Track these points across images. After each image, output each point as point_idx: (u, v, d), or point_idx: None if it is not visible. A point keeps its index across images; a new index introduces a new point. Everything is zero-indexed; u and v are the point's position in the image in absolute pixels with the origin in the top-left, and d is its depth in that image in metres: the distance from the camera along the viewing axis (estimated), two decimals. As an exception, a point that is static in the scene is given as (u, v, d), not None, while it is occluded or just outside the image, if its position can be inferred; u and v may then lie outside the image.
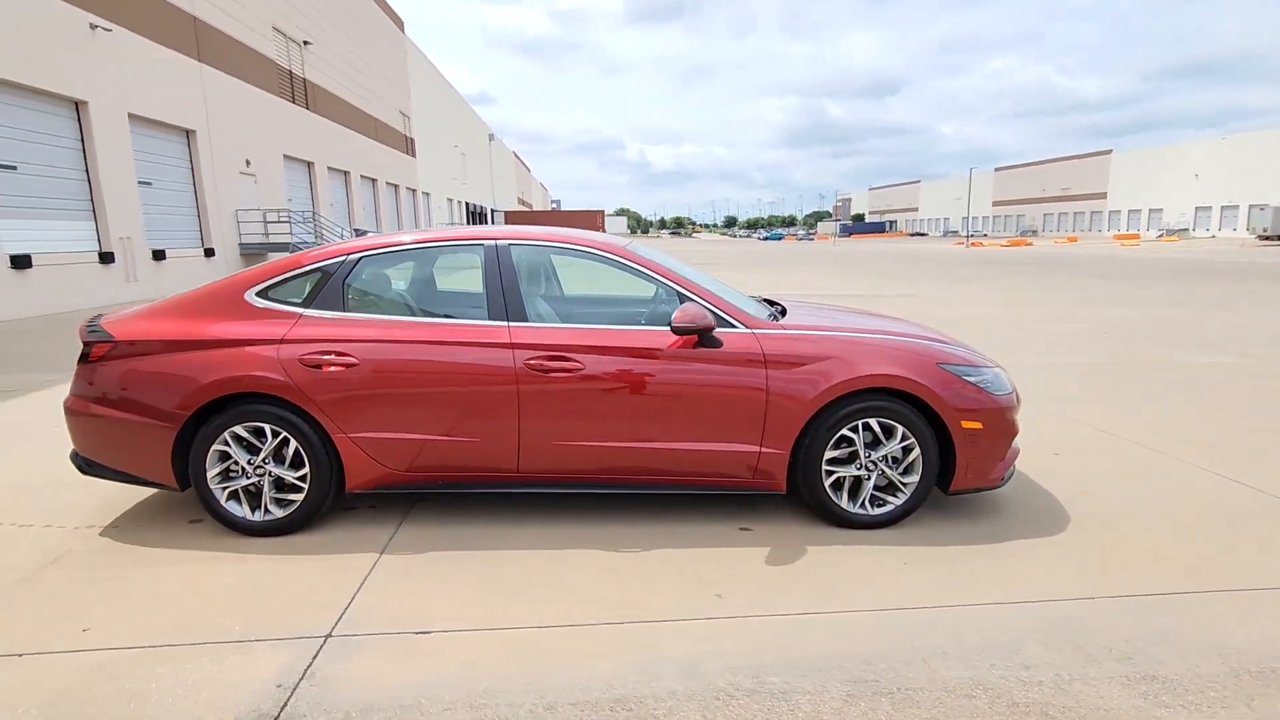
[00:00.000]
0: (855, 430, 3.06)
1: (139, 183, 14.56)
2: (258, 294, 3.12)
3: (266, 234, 18.93)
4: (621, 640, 2.31)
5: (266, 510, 3.05)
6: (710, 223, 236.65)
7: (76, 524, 3.23)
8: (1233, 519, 3.22)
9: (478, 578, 2.72)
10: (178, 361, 2.99)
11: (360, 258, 3.20)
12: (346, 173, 26.54)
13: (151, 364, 3.00)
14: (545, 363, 3.00)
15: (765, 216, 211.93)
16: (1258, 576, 2.67)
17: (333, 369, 2.98)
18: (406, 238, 3.31)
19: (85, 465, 3.13)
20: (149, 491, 3.55)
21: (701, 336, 3.02)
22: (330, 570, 2.78)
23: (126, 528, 3.18)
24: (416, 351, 3.03)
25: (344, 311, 3.10)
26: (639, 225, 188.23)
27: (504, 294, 3.13)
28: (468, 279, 3.38)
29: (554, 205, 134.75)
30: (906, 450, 3.11)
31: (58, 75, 12.26)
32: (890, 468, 3.11)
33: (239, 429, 3.00)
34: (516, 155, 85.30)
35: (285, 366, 2.97)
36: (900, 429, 3.07)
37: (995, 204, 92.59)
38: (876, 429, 3.08)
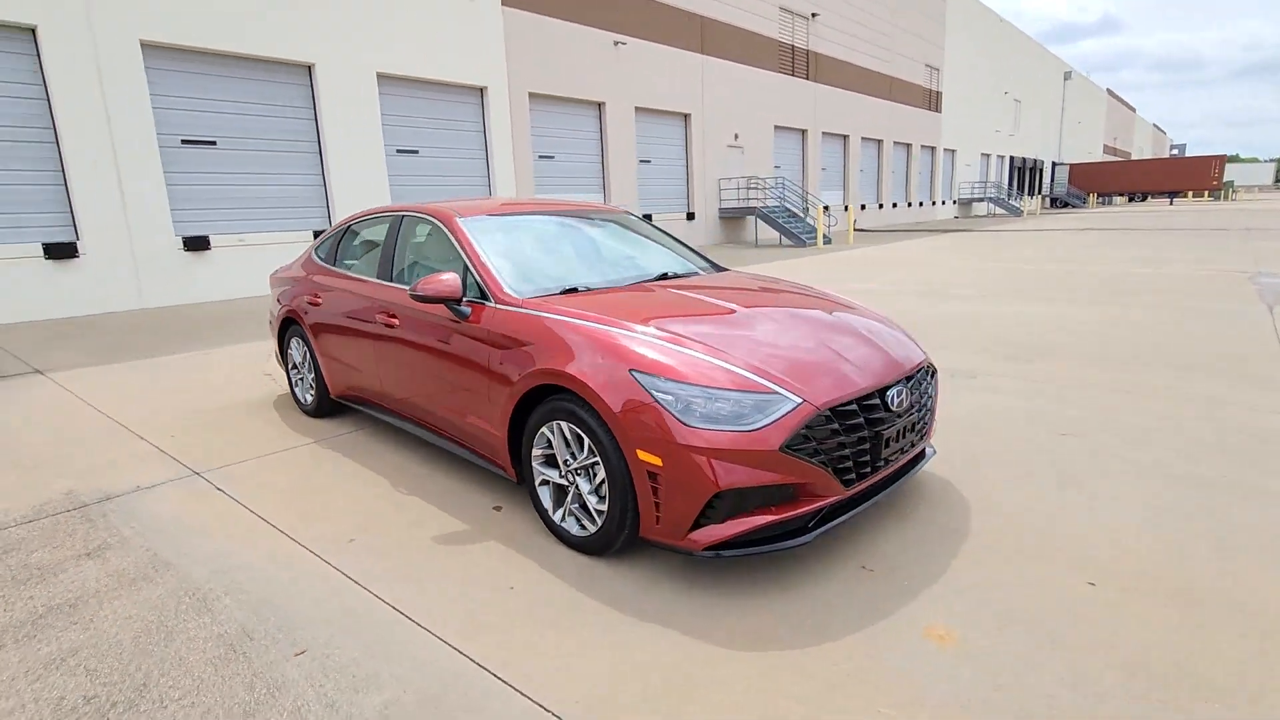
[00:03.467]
0: (553, 430, 2.66)
1: (640, 161, 18.61)
2: (314, 249, 4.54)
3: (746, 199, 21.45)
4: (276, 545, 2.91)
5: (306, 393, 4.53)
6: None
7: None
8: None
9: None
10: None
11: (347, 226, 4.27)
12: (845, 136, 27.25)
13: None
14: (386, 316, 3.55)
15: None
16: None
17: (314, 305, 4.20)
18: (371, 211, 4.18)
19: None
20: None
21: (450, 306, 3.07)
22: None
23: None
24: (340, 298, 3.98)
25: (332, 264, 4.26)
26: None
27: (393, 257, 3.75)
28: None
29: (1175, 151, 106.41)
30: (597, 468, 2.53)
31: (584, 85, 16.67)
32: (589, 484, 2.59)
33: (291, 340, 4.55)
34: (1112, 94, 70.03)
35: (302, 300, 4.33)
36: (587, 441, 2.52)
37: None
38: (568, 434, 2.60)
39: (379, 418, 3.90)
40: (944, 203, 36.66)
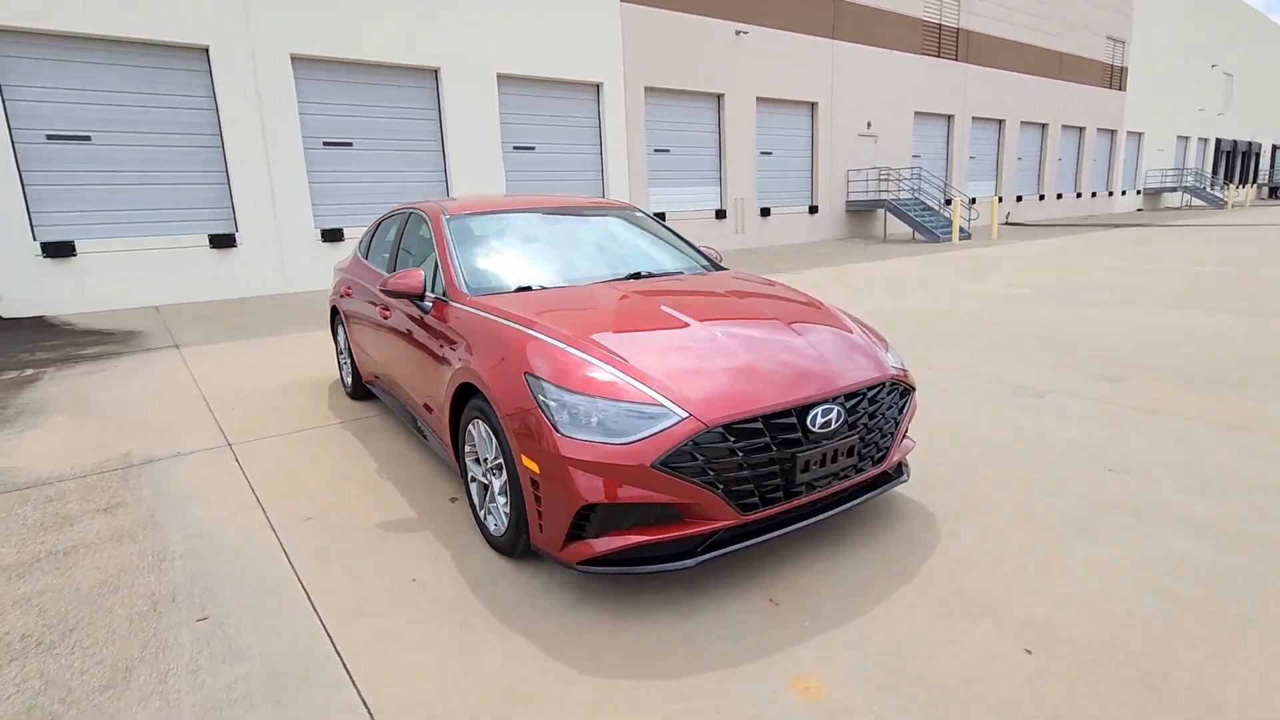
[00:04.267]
0: (476, 428, 2.68)
1: (760, 154, 18.14)
2: (358, 245, 4.88)
3: (877, 191, 20.24)
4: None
5: (347, 376, 4.90)
6: None
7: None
8: None
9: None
10: (337, 283, 5.13)
11: (379, 222, 4.53)
12: (1000, 121, 24.83)
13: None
14: (383, 309, 3.75)
15: None
16: None
17: (346, 295, 4.53)
18: (396, 208, 4.40)
19: None
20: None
21: (413, 301, 3.20)
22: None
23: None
24: (361, 291, 4.25)
25: (364, 258, 4.55)
26: None
27: (397, 252, 3.95)
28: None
29: None
30: (502, 469, 2.52)
31: (703, 77, 16.49)
32: (499, 483, 2.59)
33: (337, 327, 4.95)
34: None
35: (341, 291, 4.69)
36: (494, 441, 2.52)
37: None
38: (484, 433, 2.61)
39: (385, 403, 4.15)
40: (1125, 193, 32.35)
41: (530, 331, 2.57)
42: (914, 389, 2.79)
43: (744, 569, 2.52)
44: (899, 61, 20.91)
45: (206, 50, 10.68)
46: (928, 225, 18.39)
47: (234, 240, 11.15)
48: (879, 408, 2.57)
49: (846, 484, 2.50)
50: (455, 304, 3.02)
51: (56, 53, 9.70)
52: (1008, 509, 2.93)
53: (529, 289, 3.15)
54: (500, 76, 13.50)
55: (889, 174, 20.22)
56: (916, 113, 21.85)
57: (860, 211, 20.61)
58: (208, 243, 10.95)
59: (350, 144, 12.21)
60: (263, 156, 11.22)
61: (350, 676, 2.01)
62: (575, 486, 2.14)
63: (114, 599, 2.45)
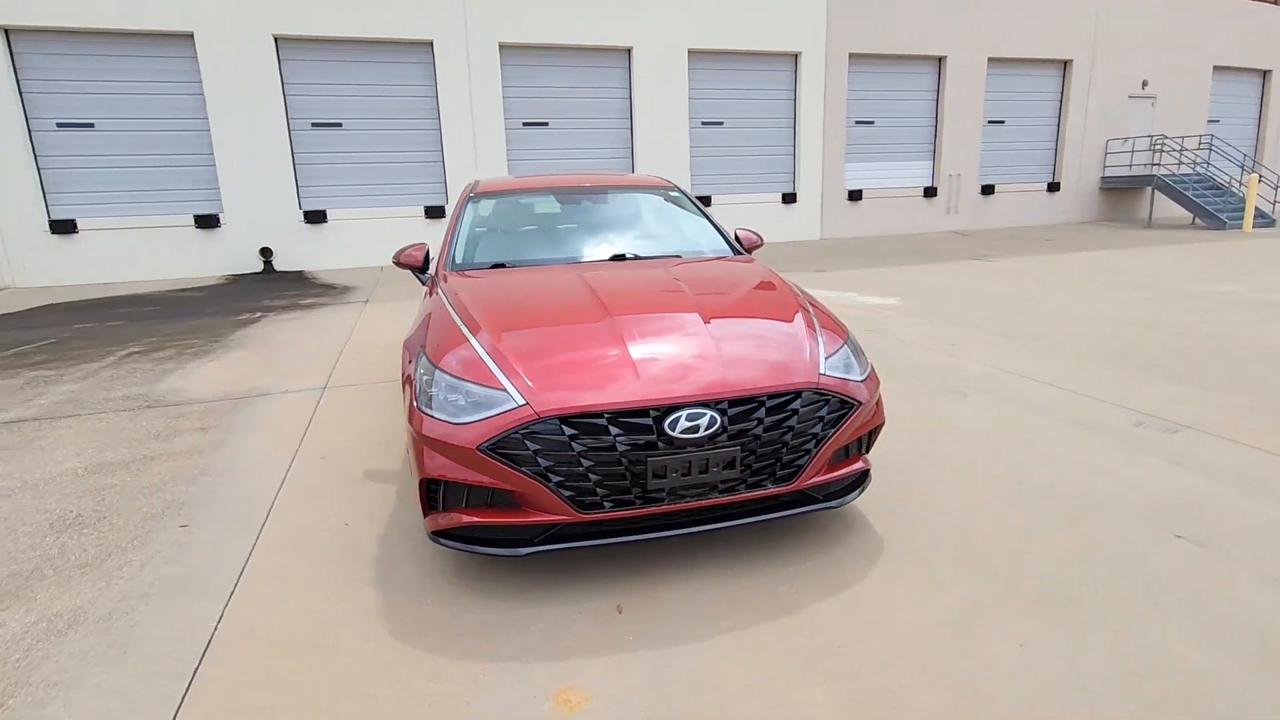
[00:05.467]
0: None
1: (988, 122, 15.97)
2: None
3: (1147, 165, 16.74)
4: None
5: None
6: None
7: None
8: None
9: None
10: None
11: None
12: (1355, 73, 18.90)
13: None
14: None
15: None
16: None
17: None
18: None
19: None
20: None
21: (414, 273, 3.48)
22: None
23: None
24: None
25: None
26: None
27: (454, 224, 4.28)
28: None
29: None
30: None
31: (920, 39, 14.88)
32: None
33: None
34: None
35: None
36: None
37: None
38: (415, 401, 2.81)
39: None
40: None
41: (447, 308, 2.69)
42: (856, 402, 2.40)
43: (619, 569, 2.42)
44: (1195, 6, 16.88)
45: (431, 44, 12.20)
46: (1211, 208, 14.81)
47: (443, 211, 12.75)
48: (786, 419, 2.27)
49: (739, 497, 2.27)
50: (438, 277, 3.24)
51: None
52: (972, 560, 2.41)
53: (502, 266, 3.26)
54: (691, 52, 13.51)
55: (1162, 143, 16.56)
56: (1216, 68, 17.52)
57: (1119, 190, 17.24)
58: (423, 213, 12.65)
59: (546, 124, 13.17)
60: (470, 136, 12.58)
61: (229, 597, 2.35)
62: (423, 460, 2.24)
63: (148, 500, 3.09)
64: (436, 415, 2.23)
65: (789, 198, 14.71)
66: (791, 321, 2.62)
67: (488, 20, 12.22)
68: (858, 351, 2.61)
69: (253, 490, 3.17)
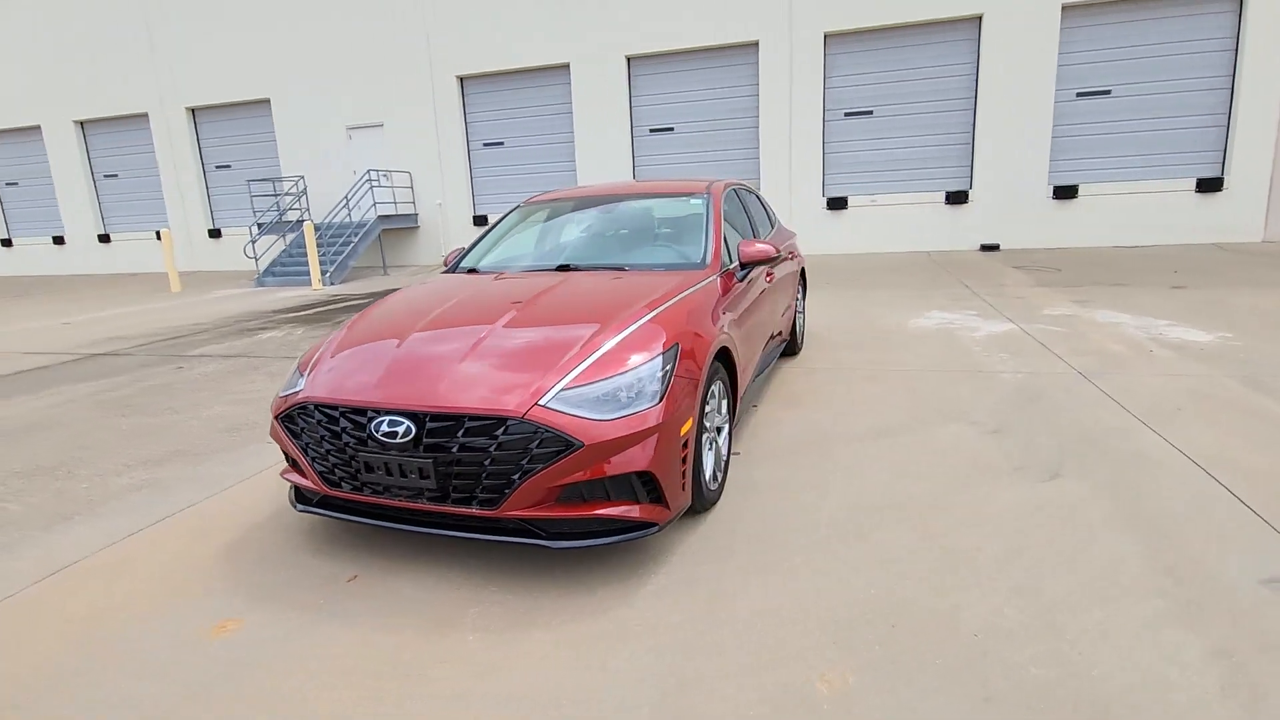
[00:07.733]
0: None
1: None
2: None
3: None
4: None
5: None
6: None
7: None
8: None
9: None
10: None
11: None
12: None
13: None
14: None
15: None
16: None
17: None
18: None
19: None
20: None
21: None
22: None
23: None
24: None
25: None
26: None
27: None
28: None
29: None
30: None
31: None
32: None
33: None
34: None
35: None
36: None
37: None
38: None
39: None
40: None
41: (391, 302, 3.26)
42: (577, 443, 2.17)
43: (397, 547, 2.61)
44: None
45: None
46: None
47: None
48: (480, 442, 2.23)
49: (449, 510, 2.31)
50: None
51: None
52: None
53: (474, 271, 3.74)
54: (1065, 8, 8.52)
55: None
56: None
57: None
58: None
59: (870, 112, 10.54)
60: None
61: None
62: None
63: (232, 436, 4.13)
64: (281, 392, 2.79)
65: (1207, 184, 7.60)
66: (577, 349, 2.45)
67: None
68: (650, 395, 2.32)
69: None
